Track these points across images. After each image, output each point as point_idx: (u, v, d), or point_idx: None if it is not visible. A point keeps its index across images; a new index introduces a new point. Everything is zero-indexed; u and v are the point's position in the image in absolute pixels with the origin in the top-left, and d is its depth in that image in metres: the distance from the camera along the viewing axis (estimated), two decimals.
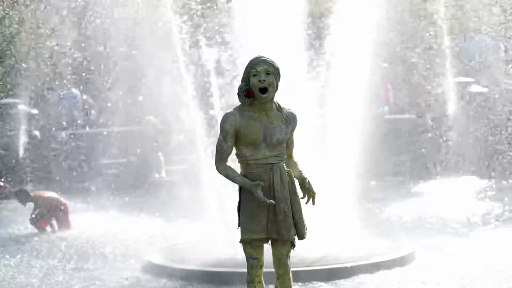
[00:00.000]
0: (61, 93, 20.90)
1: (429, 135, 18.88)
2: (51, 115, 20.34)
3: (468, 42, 20.43)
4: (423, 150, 18.72)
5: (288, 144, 5.90)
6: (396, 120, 19.89)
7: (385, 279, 9.26)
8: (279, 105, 5.85)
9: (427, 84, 19.90)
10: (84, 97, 21.33)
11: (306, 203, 5.89)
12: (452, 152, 18.23)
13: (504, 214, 13.48)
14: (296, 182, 5.89)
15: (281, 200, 5.73)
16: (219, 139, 5.76)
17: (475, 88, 19.30)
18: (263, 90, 5.69)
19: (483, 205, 14.36)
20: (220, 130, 5.75)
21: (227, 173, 5.75)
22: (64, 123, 20.42)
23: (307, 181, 5.90)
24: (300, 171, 5.94)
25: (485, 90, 19.28)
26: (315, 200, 5.93)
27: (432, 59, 19.83)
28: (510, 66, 18.54)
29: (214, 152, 5.82)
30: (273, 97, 5.78)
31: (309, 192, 5.90)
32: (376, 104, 18.64)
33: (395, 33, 18.94)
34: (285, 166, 5.81)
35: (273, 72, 5.72)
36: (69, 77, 20.96)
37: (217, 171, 5.79)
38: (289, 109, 5.88)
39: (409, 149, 18.82)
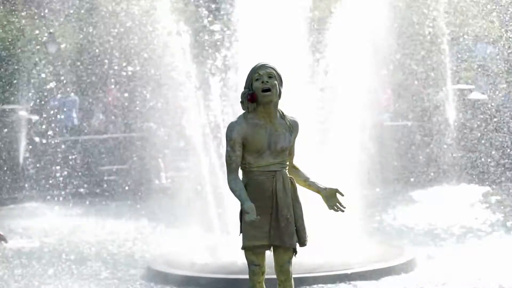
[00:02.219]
0: (60, 99, 20.92)
1: (429, 141, 18.89)
2: (51, 121, 20.38)
3: (468, 50, 20.45)
4: (423, 156, 18.72)
5: (290, 152, 5.90)
6: (396, 127, 19.90)
7: (387, 285, 9.27)
8: (283, 113, 5.85)
9: (427, 91, 19.93)
10: (85, 103, 21.35)
11: (337, 211, 5.83)
12: (452, 159, 18.24)
13: (505, 221, 13.48)
14: (299, 188, 5.89)
15: (283, 207, 5.73)
16: (226, 150, 5.71)
17: (474, 95, 19.32)
18: (266, 91, 5.70)
19: (483, 212, 14.37)
20: (227, 140, 5.70)
21: (231, 187, 5.68)
22: (63, 128, 20.45)
23: (329, 189, 5.82)
24: (317, 185, 5.89)
25: (484, 97, 19.30)
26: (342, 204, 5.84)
27: (432, 66, 19.86)
28: (509, 73, 18.56)
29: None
30: (277, 103, 5.78)
31: (335, 200, 5.84)
32: (376, 111, 18.66)
33: (394, 40, 18.97)
34: (287, 173, 5.81)
35: (275, 76, 5.74)
36: (68, 83, 21.00)
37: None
38: (291, 117, 5.88)
39: (408, 155, 18.82)
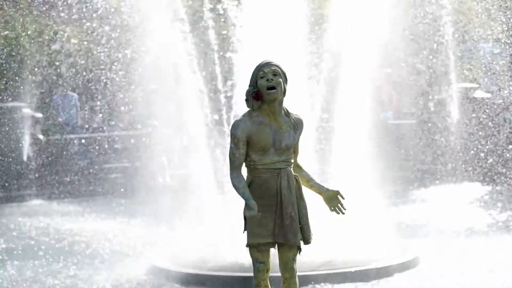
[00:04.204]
0: (58, 96, 20.93)
1: (433, 140, 18.88)
2: (53, 119, 20.40)
3: (472, 48, 20.44)
4: (427, 155, 18.71)
5: (295, 150, 5.92)
6: (399, 125, 19.89)
7: (390, 284, 9.28)
8: (287, 111, 5.87)
9: (431, 89, 19.92)
10: (88, 101, 21.35)
11: (338, 213, 5.90)
12: (456, 157, 18.23)
13: (508, 220, 13.48)
14: (304, 188, 5.92)
15: (288, 205, 5.75)
16: (230, 147, 5.74)
17: (479, 94, 19.31)
18: (271, 89, 5.72)
19: (486, 211, 14.36)
20: (231, 138, 5.73)
21: (234, 184, 5.72)
22: (64, 126, 20.46)
23: (330, 192, 5.89)
24: (319, 185, 5.94)
25: (488, 96, 19.29)
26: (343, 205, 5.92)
27: (436, 65, 19.84)
28: None
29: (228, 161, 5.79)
30: (281, 100, 5.79)
31: (336, 202, 5.90)
32: (380, 109, 18.65)
33: (398, 38, 18.95)
34: (292, 171, 5.83)
35: (280, 74, 5.76)
36: (72, 81, 21.02)
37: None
38: (296, 115, 5.90)
39: (412, 154, 18.81)
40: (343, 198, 5.88)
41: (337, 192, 5.88)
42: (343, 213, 5.89)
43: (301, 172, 5.94)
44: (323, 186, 5.93)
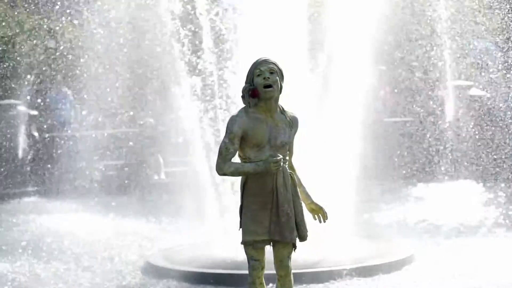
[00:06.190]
0: (52, 94, 20.92)
1: (428, 138, 18.89)
2: (48, 116, 20.39)
3: (467, 46, 20.45)
4: (422, 153, 18.73)
5: (289, 149, 5.92)
6: (395, 123, 19.90)
7: (384, 281, 9.28)
8: (283, 108, 5.87)
9: (427, 87, 19.93)
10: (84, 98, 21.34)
11: (320, 222, 6.00)
12: (451, 155, 18.24)
13: (503, 218, 13.49)
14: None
15: (284, 202, 5.75)
16: (224, 142, 5.73)
17: (474, 92, 19.32)
18: (268, 87, 5.73)
19: (482, 209, 14.36)
20: (227, 132, 5.72)
21: (235, 167, 5.72)
22: (59, 123, 20.46)
23: (314, 204, 5.99)
24: (307, 193, 6.00)
25: (484, 93, 19.30)
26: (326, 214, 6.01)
27: (431, 63, 19.85)
28: (509, 69, 18.56)
29: (217, 154, 5.77)
30: (277, 98, 5.80)
31: (318, 213, 5.98)
32: (376, 107, 18.64)
33: (394, 36, 18.96)
34: (287, 168, 5.83)
35: (277, 71, 5.76)
36: (67, 78, 21.00)
37: (220, 173, 5.73)
38: (291, 113, 5.91)
39: (407, 152, 18.82)
40: (325, 216, 5.98)
41: (320, 208, 5.97)
42: (325, 222, 5.98)
43: (293, 175, 5.94)
44: (310, 197, 6.01)
